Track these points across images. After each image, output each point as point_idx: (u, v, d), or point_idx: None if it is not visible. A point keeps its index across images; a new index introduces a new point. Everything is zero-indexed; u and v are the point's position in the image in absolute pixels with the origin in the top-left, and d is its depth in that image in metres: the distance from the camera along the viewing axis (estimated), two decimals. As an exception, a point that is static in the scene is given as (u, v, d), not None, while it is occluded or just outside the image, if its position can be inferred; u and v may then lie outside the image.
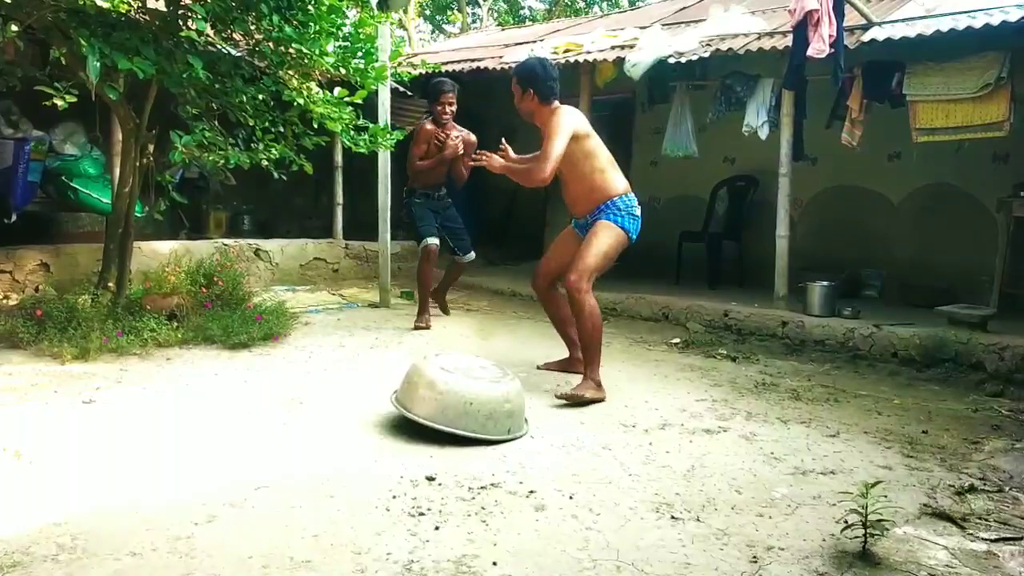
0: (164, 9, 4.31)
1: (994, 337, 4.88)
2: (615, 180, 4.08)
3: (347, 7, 4.68)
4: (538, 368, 4.43)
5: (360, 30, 4.75)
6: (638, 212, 4.11)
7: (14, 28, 3.43)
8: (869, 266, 6.97)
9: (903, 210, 6.94)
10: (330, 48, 4.31)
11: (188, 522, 2.38)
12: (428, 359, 3.44)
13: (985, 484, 2.99)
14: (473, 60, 8.34)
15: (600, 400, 3.90)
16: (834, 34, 5.07)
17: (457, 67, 8.16)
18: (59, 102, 3.51)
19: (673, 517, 2.59)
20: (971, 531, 2.56)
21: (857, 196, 7.15)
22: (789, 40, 5.46)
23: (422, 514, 2.51)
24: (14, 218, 6.04)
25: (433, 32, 23.07)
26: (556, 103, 4.07)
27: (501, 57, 8.04)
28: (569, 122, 3.96)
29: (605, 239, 4.00)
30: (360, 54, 4.53)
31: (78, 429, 3.21)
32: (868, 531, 2.34)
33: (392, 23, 5.78)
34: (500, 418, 3.27)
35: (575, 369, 4.24)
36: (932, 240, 6.69)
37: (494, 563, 2.20)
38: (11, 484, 2.63)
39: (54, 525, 2.33)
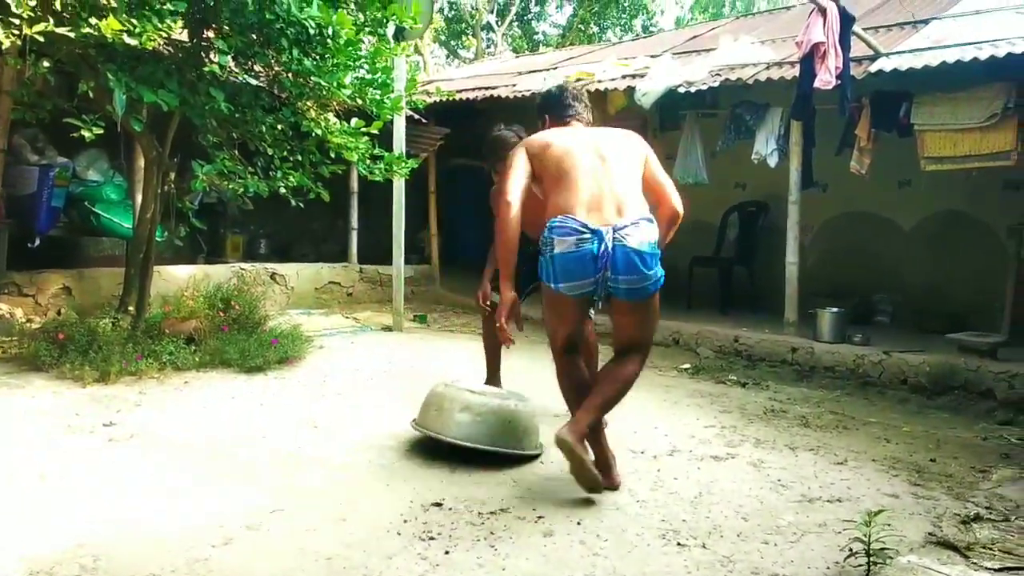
0: (187, 42, 4.46)
1: (1004, 365, 4.89)
2: (552, 206, 3.04)
3: (363, 36, 4.81)
4: None
5: (376, 60, 4.88)
6: (547, 248, 2.98)
7: (45, 64, 3.57)
8: (880, 292, 6.99)
9: (914, 237, 6.97)
10: (347, 80, 4.43)
11: (206, 544, 2.44)
12: (449, 386, 3.54)
13: (991, 513, 3.01)
14: (486, 88, 8.48)
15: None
16: (840, 66, 5.15)
17: (471, 95, 8.31)
18: (87, 134, 3.64)
19: (679, 543, 2.63)
20: (975, 560, 2.57)
21: (868, 222, 7.19)
22: (797, 71, 5.55)
23: (432, 538, 2.57)
24: (38, 242, 6.19)
25: (448, 57, 23.34)
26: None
27: (514, 85, 8.18)
28: (523, 145, 3.21)
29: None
30: (376, 86, 4.65)
31: (99, 451, 3.30)
32: (871, 559, 2.37)
33: (407, 53, 5.92)
34: (532, 433, 3.45)
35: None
36: (943, 267, 6.71)
37: (502, 587, 2.25)
38: (35, 505, 2.71)
39: (77, 546, 2.40)
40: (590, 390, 3.06)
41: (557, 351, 3.19)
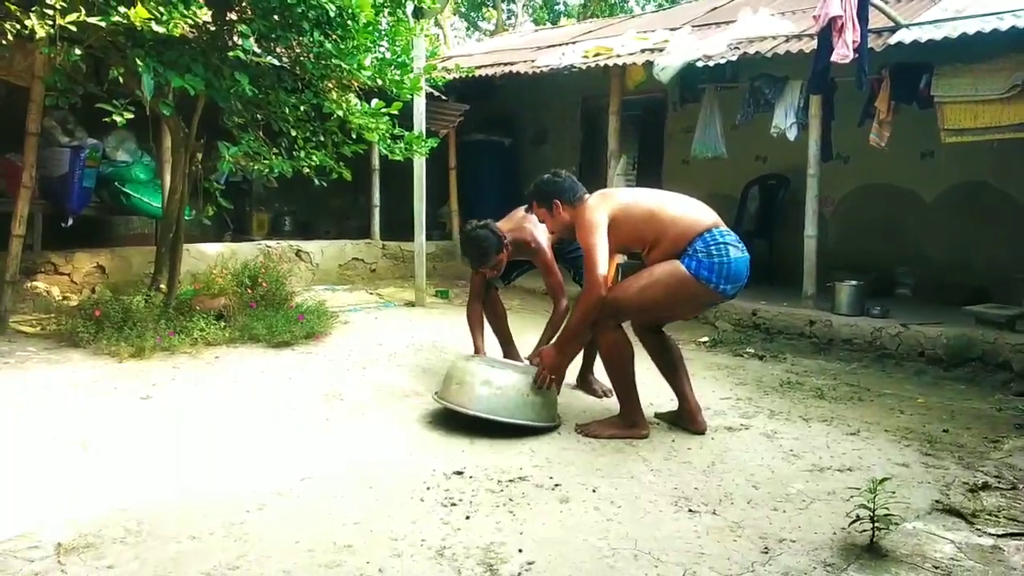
0: (211, 24, 4.54)
1: (1021, 337, 4.91)
2: (691, 224, 3.41)
3: (382, 16, 4.87)
4: (655, 415, 3.81)
5: (396, 39, 4.95)
6: (723, 252, 3.33)
7: (77, 51, 3.69)
8: (903, 264, 6.99)
9: (937, 208, 6.94)
10: (367, 61, 4.51)
11: (240, 509, 2.59)
12: (470, 359, 3.67)
13: (999, 482, 3.08)
14: (506, 64, 8.50)
15: (633, 437, 3.46)
16: (858, 40, 5.12)
17: (490, 71, 8.34)
18: (118, 119, 3.76)
19: (690, 510, 2.73)
20: (980, 527, 2.66)
21: (890, 194, 7.17)
22: (816, 44, 5.52)
23: (454, 504, 2.69)
24: (71, 222, 6.36)
25: (468, 29, 23.21)
26: (585, 199, 3.55)
27: (533, 61, 8.19)
28: (598, 209, 3.41)
29: (655, 275, 3.39)
30: (396, 66, 4.72)
31: (138, 423, 3.46)
32: (875, 525, 2.45)
33: (425, 31, 5.97)
34: (550, 406, 3.55)
35: (683, 424, 3.68)
36: (966, 238, 6.69)
37: (520, 550, 2.37)
38: (80, 473, 2.88)
39: (120, 511, 2.55)
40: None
41: (625, 330, 3.52)
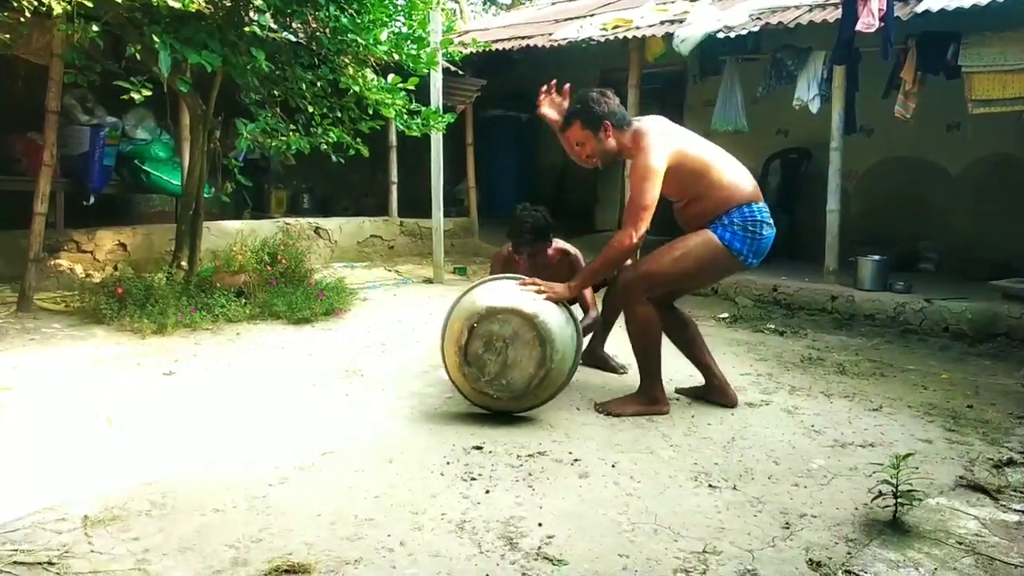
0: (227, 0, 4.53)
1: (1049, 312, 4.83)
2: (734, 192, 3.38)
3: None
4: (676, 391, 3.80)
5: (412, 13, 4.91)
6: (760, 230, 3.38)
7: (95, 28, 3.69)
8: (926, 239, 6.89)
9: (962, 181, 6.82)
10: (383, 36, 4.48)
11: (263, 483, 2.61)
12: (471, 367, 3.27)
13: (1025, 458, 3.04)
14: (523, 37, 8.41)
15: (654, 413, 3.45)
16: (884, 8, 5.01)
17: (507, 45, 8.26)
18: (136, 96, 3.77)
19: (711, 485, 2.72)
20: (1004, 502, 2.63)
21: (914, 167, 7.05)
22: (840, 13, 5.41)
23: (474, 479, 2.70)
24: (92, 200, 6.41)
25: (485, 3, 22.97)
26: (633, 123, 3.42)
27: (551, 34, 8.09)
28: (661, 151, 3.25)
29: (689, 246, 3.36)
30: (411, 42, 4.69)
31: (161, 399, 3.50)
32: (898, 501, 2.43)
33: (442, 5, 5.91)
34: (553, 386, 3.30)
35: (713, 398, 3.67)
36: (992, 212, 6.57)
37: (539, 524, 2.38)
38: (106, 448, 2.91)
39: (145, 484, 2.58)
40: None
41: (647, 304, 3.42)
